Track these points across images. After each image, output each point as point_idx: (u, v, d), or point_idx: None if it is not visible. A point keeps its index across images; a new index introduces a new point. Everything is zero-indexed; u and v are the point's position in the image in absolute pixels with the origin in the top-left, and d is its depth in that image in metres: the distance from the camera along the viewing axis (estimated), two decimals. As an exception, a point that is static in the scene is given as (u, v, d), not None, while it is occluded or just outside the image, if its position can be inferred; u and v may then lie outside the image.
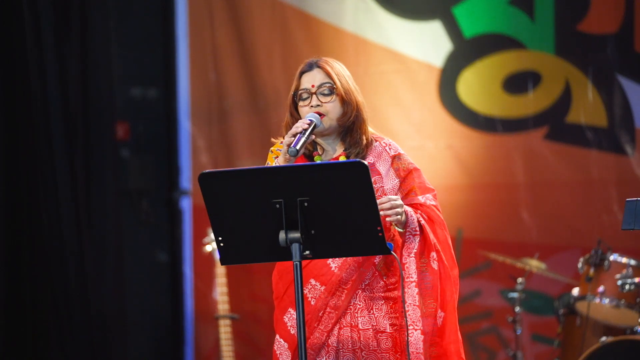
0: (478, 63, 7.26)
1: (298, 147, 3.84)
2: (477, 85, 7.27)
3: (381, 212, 3.78)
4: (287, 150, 3.85)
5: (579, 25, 7.07)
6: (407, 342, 3.89)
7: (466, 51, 7.26)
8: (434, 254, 3.94)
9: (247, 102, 7.62)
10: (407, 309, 3.91)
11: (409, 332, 3.89)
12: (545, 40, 7.14)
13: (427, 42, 7.30)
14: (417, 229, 3.93)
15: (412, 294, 3.91)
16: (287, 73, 7.49)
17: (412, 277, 3.92)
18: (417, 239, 3.93)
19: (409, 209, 3.95)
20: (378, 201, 3.77)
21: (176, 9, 7.72)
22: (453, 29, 7.25)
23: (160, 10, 7.78)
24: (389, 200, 3.83)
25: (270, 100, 7.54)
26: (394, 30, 7.34)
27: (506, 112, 7.23)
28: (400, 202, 3.86)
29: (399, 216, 3.84)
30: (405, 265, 3.93)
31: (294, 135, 3.88)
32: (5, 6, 6.70)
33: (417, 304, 3.90)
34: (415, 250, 3.93)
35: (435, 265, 3.93)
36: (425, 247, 3.94)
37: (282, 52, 7.55)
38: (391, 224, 3.93)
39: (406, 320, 3.89)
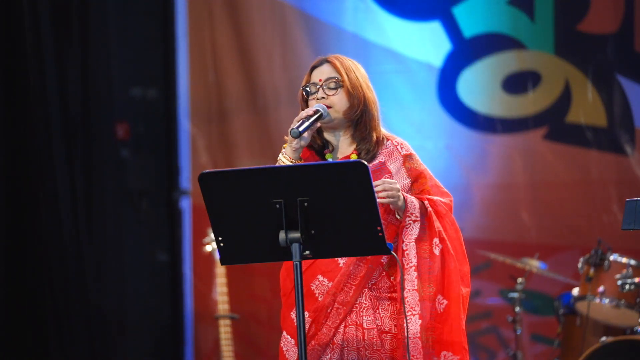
0: (478, 63, 7.27)
1: (300, 128, 3.86)
2: (476, 85, 7.27)
3: (376, 194, 3.79)
4: (290, 132, 3.86)
5: (579, 25, 7.07)
6: (407, 342, 3.89)
7: (466, 51, 7.26)
8: (436, 240, 3.94)
9: (247, 102, 7.63)
10: (405, 295, 3.91)
11: (407, 317, 3.89)
12: (545, 40, 7.14)
13: (426, 42, 7.30)
14: (418, 215, 3.93)
15: (411, 278, 3.91)
16: (287, 73, 7.49)
17: (411, 262, 3.92)
18: (418, 225, 3.93)
19: (413, 197, 3.95)
20: (374, 183, 3.78)
21: (176, 9, 7.72)
22: (453, 29, 7.25)
23: (160, 10, 7.78)
24: (382, 182, 3.84)
25: (270, 100, 7.54)
26: (393, 30, 7.35)
27: (506, 112, 7.23)
28: (397, 186, 3.86)
29: (393, 199, 3.84)
30: (406, 252, 3.93)
31: (298, 121, 3.90)
32: (5, 7, 6.70)
33: (416, 287, 3.90)
34: (415, 236, 3.93)
35: (437, 251, 3.93)
36: (428, 233, 3.94)
37: (282, 52, 7.55)
38: (396, 214, 3.93)
39: (406, 320, 3.89)
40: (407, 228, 3.93)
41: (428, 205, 3.96)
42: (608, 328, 6.17)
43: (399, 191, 3.87)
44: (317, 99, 4.01)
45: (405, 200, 3.92)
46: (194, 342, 7.71)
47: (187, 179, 7.73)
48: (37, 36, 6.77)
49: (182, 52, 7.72)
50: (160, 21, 7.79)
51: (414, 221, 3.93)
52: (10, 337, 6.70)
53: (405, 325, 3.89)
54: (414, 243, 3.93)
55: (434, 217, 3.94)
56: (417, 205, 3.94)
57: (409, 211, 3.92)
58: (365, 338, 3.96)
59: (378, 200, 3.79)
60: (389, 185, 3.84)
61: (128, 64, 7.58)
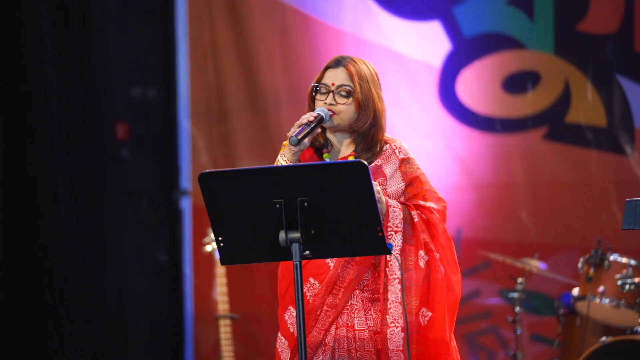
0: (477, 63, 7.27)
1: (299, 136, 3.83)
2: (476, 85, 7.27)
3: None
4: (289, 140, 3.84)
5: (579, 25, 7.07)
6: (407, 342, 3.89)
7: (466, 51, 7.26)
8: (422, 252, 3.92)
9: (247, 102, 7.63)
10: (388, 306, 3.90)
11: (390, 329, 3.89)
12: (544, 40, 7.14)
13: (426, 42, 7.30)
14: (400, 226, 3.92)
15: (394, 290, 3.90)
16: (286, 73, 7.49)
17: (395, 274, 3.91)
18: (400, 235, 3.91)
19: (397, 205, 3.94)
20: None
21: (176, 9, 7.72)
22: (452, 28, 7.25)
23: (160, 10, 7.78)
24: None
25: (270, 100, 7.54)
26: (393, 30, 7.35)
27: (505, 112, 7.23)
28: (377, 188, 3.84)
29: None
30: (390, 263, 3.91)
31: (298, 127, 3.88)
32: (5, 7, 6.70)
33: (399, 300, 3.89)
34: (399, 247, 3.92)
35: (422, 263, 3.91)
36: (413, 244, 3.93)
37: (281, 52, 7.55)
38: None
39: (406, 320, 3.89)
40: (389, 238, 3.91)
41: (415, 215, 3.93)
42: (608, 328, 6.17)
43: (379, 193, 3.86)
44: (326, 103, 3.97)
45: (387, 207, 3.91)
46: (194, 342, 7.71)
47: (187, 179, 7.73)
48: (37, 36, 6.77)
49: (182, 52, 7.72)
50: (160, 21, 7.79)
51: (396, 232, 3.92)
52: (10, 337, 6.70)
53: (405, 326, 3.89)
54: (398, 255, 3.91)
55: (421, 228, 3.92)
56: (401, 215, 3.92)
57: (390, 221, 3.91)
58: (357, 339, 3.94)
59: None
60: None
61: (128, 64, 7.58)
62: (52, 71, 6.85)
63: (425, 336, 3.91)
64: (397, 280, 3.89)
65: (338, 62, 4.00)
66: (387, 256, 3.90)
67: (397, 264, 3.90)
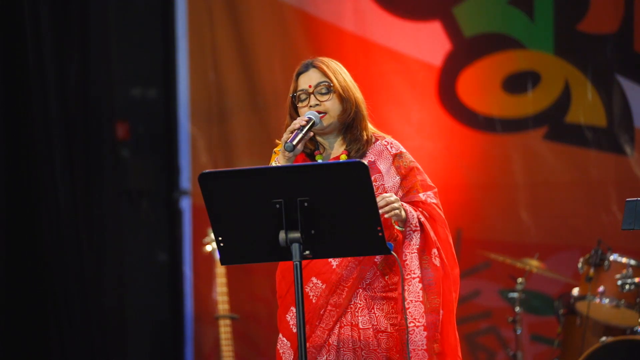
0: (477, 63, 7.27)
1: (294, 142, 3.84)
2: (476, 85, 7.27)
3: (380, 211, 3.79)
4: (284, 146, 3.85)
5: (579, 25, 7.07)
6: (407, 340, 3.89)
7: (466, 51, 7.26)
8: (435, 251, 3.94)
9: (247, 102, 7.63)
10: (407, 306, 3.91)
11: (410, 329, 3.89)
12: (544, 40, 7.14)
13: (426, 42, 7.30)
14: (417, 224, 3.93)
15: (415, 290, 3.91)
16: (287, 73, 7.45)
17: (415, 273, 3.92)
18: (418, 235, 3.93)
19: (407, 206, 3.95)
20: None
21: (176, 9, 7.72)
22: (453, 28, 7.25)
23: (160, 10, 7.78)
24: (382, 198, 3.83)
25: (270, 100, 7.54)
26: (393, 30, 7.35)
27: (506, 112, 7.23)
28: (394, 197, 3.86)
29: (397, 210, 3.84)
30: (406, 262, 3.92)
31: (292, 132, 3.89)
32: (6, 6, 6.70)
33: (421, 299, 3.90)
34: (417, 247, 3.93)
35: (437, 262, 3.93)
36: (426, 244, 3.94)
37: (281, 52, 7.55)
38: (392, 223, 3.93)
39: (406, 319, 3.89)
40: (406, 238, 3.94)
41: (420, 216, 3.95)
42: (608, 328, 6.17)
43: (398, 202, 3.87)
44: (310, 107, 4.00)
45: (405, 210, 3.92)
46: (194, 342, 7.71)
47: (187, 179, 7.73)
48: (38, 36, 6.78)
49: (182, 52, 7.72)
50: (160, 21, 7.79)
51: (414, 231, 3.93)
52: (10, 337, 6.70)
53: (405, 325, 3.89)
54: (416, 254, 3.93)
55: (429, 227, 3.94)
56: (415, 216, 3.94)
57: (410, 222, 3.93)
58: (361, 338, 3.95)
59: (386, 216, 3.80)
60: (389, 199, 3.84)
61: (128, 64, 7.58)
62: (52, 71, 6.85)
63: (441, 334, 3.93)
64: (418, 279, 3.90)
65: (307, 66, 4.05)
66: (403, 256, 3.92)
67: (416, 263, 3.91)
